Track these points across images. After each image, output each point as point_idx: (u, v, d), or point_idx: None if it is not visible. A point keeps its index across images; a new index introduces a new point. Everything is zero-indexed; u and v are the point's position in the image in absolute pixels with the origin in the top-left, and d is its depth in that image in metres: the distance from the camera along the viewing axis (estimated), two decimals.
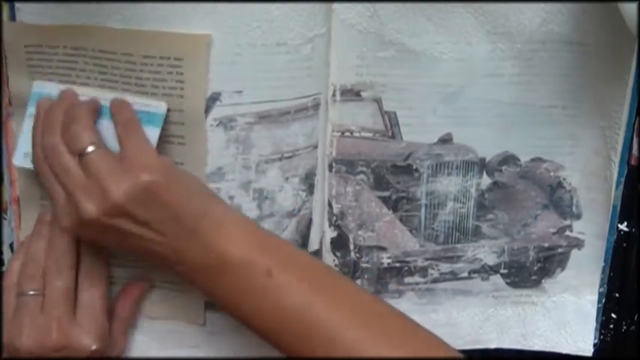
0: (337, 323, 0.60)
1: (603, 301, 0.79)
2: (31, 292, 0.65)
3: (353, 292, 0.65)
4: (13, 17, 0.65)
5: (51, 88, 0.66)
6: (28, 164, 0.66)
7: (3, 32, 0.65)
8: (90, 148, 0.60)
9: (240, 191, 0.68)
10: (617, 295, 0.80)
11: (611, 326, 0.80)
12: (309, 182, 0.71)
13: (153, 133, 0.63)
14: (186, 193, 0.61)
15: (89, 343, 0.64)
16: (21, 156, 0.67)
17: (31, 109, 0.66)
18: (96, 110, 0.64)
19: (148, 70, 0.63)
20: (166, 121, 0.64)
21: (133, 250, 0.63)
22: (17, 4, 0.65)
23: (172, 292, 0.71)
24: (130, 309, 0.70)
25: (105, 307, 0.67)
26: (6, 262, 0.74)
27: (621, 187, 0.75)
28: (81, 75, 0.65)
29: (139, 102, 0.64)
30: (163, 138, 0.65)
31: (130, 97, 0.64)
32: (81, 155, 0.60)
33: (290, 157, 0.69)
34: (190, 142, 0.65)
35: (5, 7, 0.65)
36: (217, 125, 0.65)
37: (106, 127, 0.64)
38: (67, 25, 0.64)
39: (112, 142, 0.63)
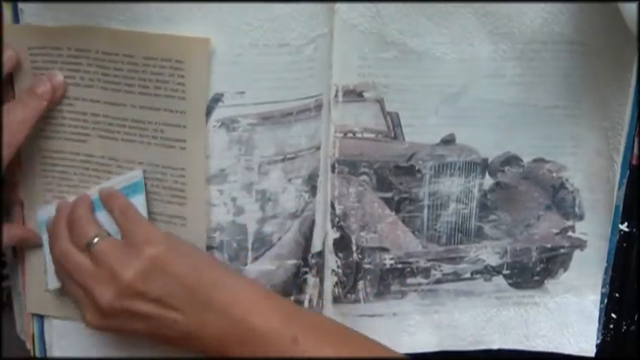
0: None
1: (605, 301, 0.79)
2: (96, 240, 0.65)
3: (379, 354, 0.65)
4: (16, 18, 0.65)
5: (54, 209, 0.68)
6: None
7: (6, 35, 0.65)
8: (95, 240, 0.63)
9: (242, 193, 0.68)
10: (617, 295, 0.80)
11: (611, 326, 0.80)
12: (311, 183, 0.71)
13: (140, 200, 0.66)
14: (194, 263, 0.63)
15: None
16: (53, 281, 0.70)
17: (44, 236, 0.69)
18: (91, 205, 0.66)
19: (150, 71, 0.63)
20: (168, 125, 0.65)
21: (158, 336, 0.64)
22: (20, 5, 0.64)
23: None
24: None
25: None
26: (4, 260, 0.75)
27: (623, 187, 0.75)
28: (85, 77, 0.65)
29: (119, 181, 0.67)
30: (166, 144, 0.65)
31: (108, 183, 0.67)
32: (88, 247, 0.63)
33: (293, 159, 0.69)
34: (192, 145, 0.65)
35: (8, 9, 0.65)
36: (220, 126, 0.65)
37: (104, 218, 0.66)
38: (70, 27, 0.64)
39: (114, 230, 0.66)
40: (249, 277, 0.69)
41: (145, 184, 0.67)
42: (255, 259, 0.70)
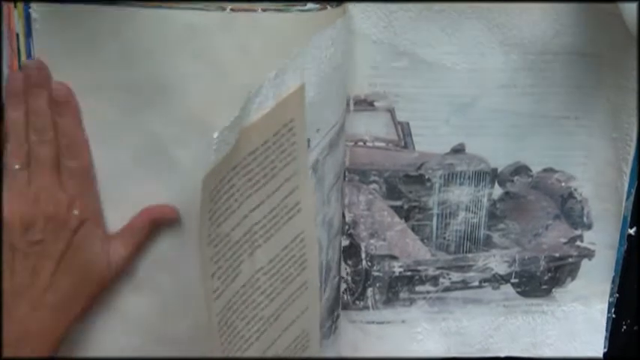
0: None
1: (613, 310, 0.80)
2: (17, 167, 0.62)
3: None
4: (28, 28, 0.64)
5: None
6: None
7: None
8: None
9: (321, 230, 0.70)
10: (617, 295, 0.80)
11: (611, 326, 0.81)
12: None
13: None
14: None
15: (74, 210, 0.62)
16: None
17: None
18: None
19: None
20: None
21: None
22: (34, 15, 0.63)
23: None
24: (144, 222, 0.65)
25: (90, 177, 0.63)
26: None
27: (632, 197, 0.75)
28: None
29: None
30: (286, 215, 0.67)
31: None
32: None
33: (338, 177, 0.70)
34: (305, 204, 0.67)
35: (20, 19, 0.64)
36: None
37: None
38: (82, 38, 0.62)
39: None
40: None
41: None
42: None
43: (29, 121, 0.62)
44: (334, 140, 0.68)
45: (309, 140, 0.65)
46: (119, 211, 0.62)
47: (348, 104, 0.71)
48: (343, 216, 0.74)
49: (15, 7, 0.63)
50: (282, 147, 0.63)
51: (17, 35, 0.64)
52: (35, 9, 0.62)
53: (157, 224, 0.63)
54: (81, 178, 0.63)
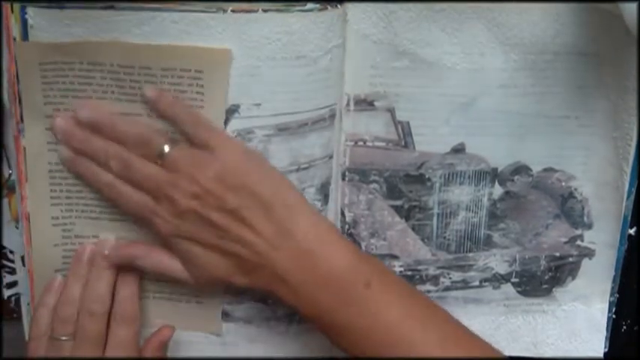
0: (429, 342, 0.61)
1: (614, 309, 0.80)
2: (64, 338, 0.65)
3: (442, 316, 0.65)
4: (25, 34, 0.64)
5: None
6: None
7: (17, 50, 0.64)
8: (166, 148, 0.62)
9: None
10: (617, 295, 0.80)
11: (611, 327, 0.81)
12: (324, 192, 0.71)
13: None
14: (274, 182, 0.62)
15: None
16: None
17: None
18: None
19: (168, 82, 0.63)
20: None
21: (228, 254, 0.62)
22: (30, 21, 0.63)
23: (190, 303, 0.71)
24: (158, 351, 0.68)
25: (136, 348, 0.66)
26: (13, 266, 0.75)
27: (632, 197, 0.75)
28: (98, 90, 0.65)
29: None
30: None
31: None
32: (160, 157, 0.62)
33: (307, 168, 0.69)
34: None
35: (17, 25, 0.64)
36: (235, 137, 0.65)
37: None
38: (84, 42, 0.63)
39: None
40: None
41: None
42: None
43: (84, 295, 0.65)
44: (288, 126, 0.67)
45: (238, 106, 0.65)
46: None
47: (348, 104, 0.71)
48: (343, 215, 0.74)
49: (12, 11, 0.63)
50: (181, 87, 0.63)
51: (14, 39, 0.64)
52: (31, 14, 0.62)
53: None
54: (126, 348, 0.65)
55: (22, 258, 0.72)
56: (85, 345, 0.64)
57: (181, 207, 0.61)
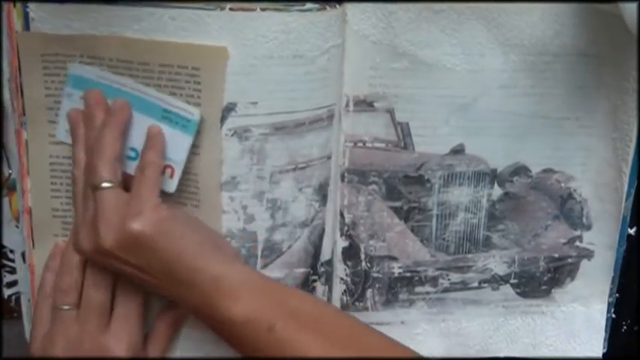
0: None
1: (612, 310, 0.80)
2: (66, 307, 0.66)
3: (360, 337, 0.64)
4: (27, 26, 0.65)
5: (86, 72, 0.66)
6: (69, 140, 0.68)
7: (19, 41, 0.65)
8: (104, 185, 0.62)
9: (253, 201, 0.68)
10: (617, 295, 0.80)
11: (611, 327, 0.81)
12: (322, 193, 0.71)
13: (185, 141, 0.65)
14: (178, 248, 0.62)
15: (121, 354, 0.65)
16: (62, 132, 0.68)
17: (68, 89, 0.67)
18: (123, 132, 0.65)
19: (166, 78, 0.64)
20: None
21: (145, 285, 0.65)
22: (31, 14, 0.64)
23: None
24: (167, 330, 0.70)
25: (140, 320, 0.67)
26: (13, 266, 0.75)
27: (631, 198, 0.75)
28: None
29: (174, 104, 0.64)
30: None
31: (166, 97, 0.65)
32: (94, 189, 0.62)
33: (304, 168, 0.69)
34: (205, 150, 0.66)
35: (19, 17, 0.65)
36: (232, 135, 0.65)
37: (136, 121, 0.66)
38: (84, 35, 0.64)
39: (136, 138, 0.65)
40: (245, 266, 0.69)
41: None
42: (265, 266, 0.70)
43: (87, 264, 0.66)
44: (285, 125, 0.67)
45: (234, 104, 0.65)
46: None
47: (347, 105, 0.71)
48: (342, 217, 0.74)
49: (14, 6, 0.64)
50: (178, 84, 0.64)
51: (16, 31, 0.65)
52: (32, 8, 0.63)
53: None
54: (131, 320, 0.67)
55: (23, 255, 0.73)
56: (90, 315, 0.65)
57: (81, 248, 0.64)
